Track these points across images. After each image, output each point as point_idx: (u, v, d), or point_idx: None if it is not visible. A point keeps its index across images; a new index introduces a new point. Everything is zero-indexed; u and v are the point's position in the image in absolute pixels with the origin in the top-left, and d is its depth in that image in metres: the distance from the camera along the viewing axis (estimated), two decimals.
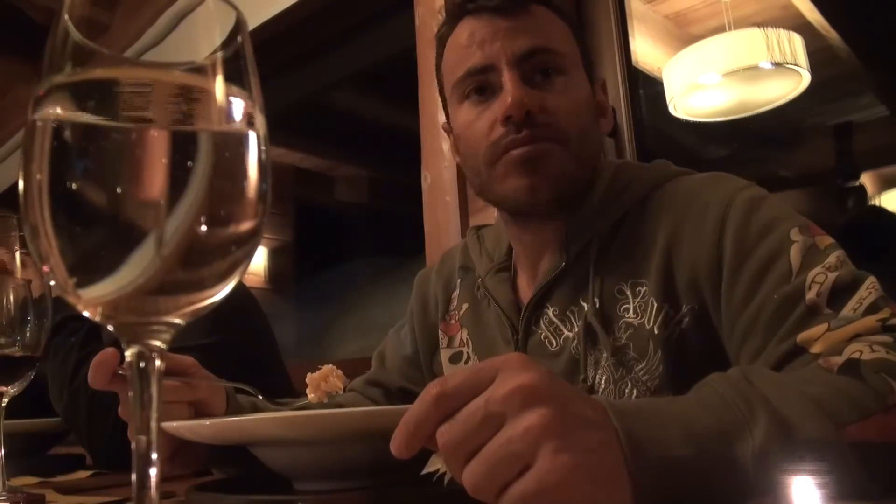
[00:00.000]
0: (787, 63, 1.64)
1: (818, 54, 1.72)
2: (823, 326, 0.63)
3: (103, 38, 0.31)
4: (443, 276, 1.00)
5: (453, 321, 0.97)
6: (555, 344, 0.83)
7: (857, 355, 0.56)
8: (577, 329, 0.81)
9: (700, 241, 0.74)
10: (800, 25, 1.76)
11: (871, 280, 0.65)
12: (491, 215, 1.55)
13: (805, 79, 1.69)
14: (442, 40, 0.89)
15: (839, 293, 0.64)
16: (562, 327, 0.83)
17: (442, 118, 1.72)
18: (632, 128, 1.61)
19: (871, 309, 0.62)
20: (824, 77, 1.77)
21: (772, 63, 1.64)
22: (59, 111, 0.30)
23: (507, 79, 0.79)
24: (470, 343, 0.93)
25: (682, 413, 0.47)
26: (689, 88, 1.76)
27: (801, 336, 0.63)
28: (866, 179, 1.80)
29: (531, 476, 0.41)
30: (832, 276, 0.65)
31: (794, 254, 0.68)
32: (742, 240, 0.71)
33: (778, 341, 0.65)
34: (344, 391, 0.77)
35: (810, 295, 0.65)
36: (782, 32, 1.65)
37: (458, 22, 0.86)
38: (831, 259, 0.67)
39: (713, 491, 0.45)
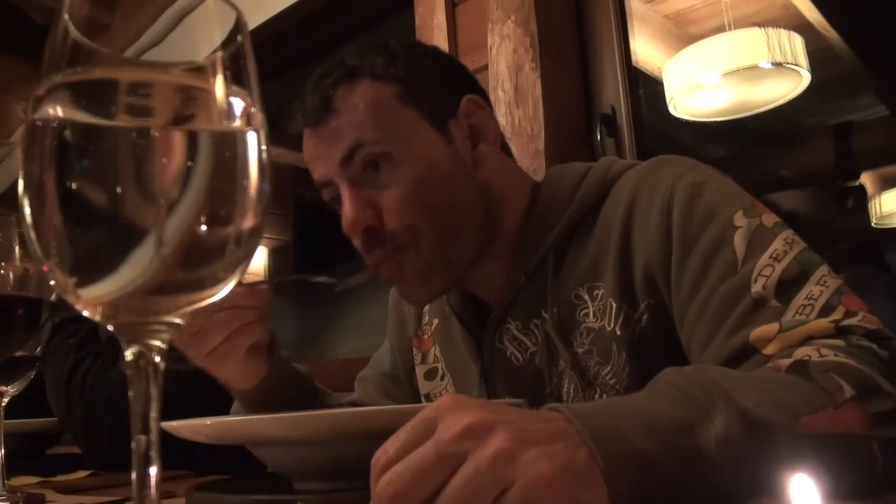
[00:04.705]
0: (787, 63, 1.64)
1: (818, 54, 1.72)
2: (775, 326, 0.61)
3: (103, 38, 0.31)
4: None
5: (426, 336, 0.96)
6: (521, 359, 0.82)
7: (805, 357, 0.56)
8: (540, 340, 0.80)
9: (649, 234, 0.72)
10: (800, 25, 1.76)
11: (820, 271, 0.64)
12: None
13: (805, 79, 1.69)
14: None
15: (786, 285, 0.63)
16: (526, 341, 0.81)
17: None
18: (632, 128, 1.61)
19: (825, 310, 0.61)
20: (824, 77, 1.77)
21: (772, 63, 1.63)
22: (59, 111, 0.30)
23: (342, 192, 0.77)
24: (442, 359, 0.92)
25: (642, 408, 0.47)
26: (689, 88, 1.76)
27: (754, 335, 0.62)
28: (866, 179, 1.80)
29: (516, 493, 0.39)
30: (779, 267, 0.64)
31: (739, 241, 0.66)
32: (686, 229, 0.70)
33: (726, 335, 0.64)
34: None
35: (756, 288, 0.64)
36: (782, 32, 1.65)
37: None
38: (778, 244, 0.65)
39: (684, 481, 0.44)
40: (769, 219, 0.68)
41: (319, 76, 0.79)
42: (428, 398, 0.93)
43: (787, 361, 0.56)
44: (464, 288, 0.88)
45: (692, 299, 0.68)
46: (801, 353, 0.57)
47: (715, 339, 0.65)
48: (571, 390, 0.77)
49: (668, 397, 0.47)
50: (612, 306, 0.75)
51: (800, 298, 0.62)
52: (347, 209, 0.75)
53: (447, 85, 0.82)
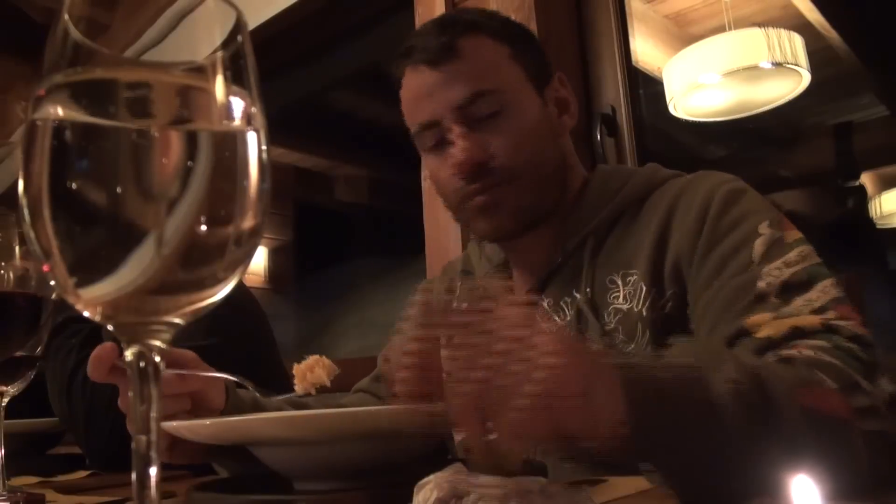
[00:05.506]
0: (787, 63, 1.64)
1: (818, 54, 1.72)
2: (769, 314, 0.66)
3: (103, 38, 0.31)
4: (445, 281, 1.06)
5: None
6: None
7: (789, 356, 0.60)
8: (569, 317, 0.85)
9: (685, 231, 0.79)
10: (800, 25, 1.75)
11: (827, 282, 0.68)
12: None
13: (805, 79, 1.69)
14: (396, 84, 0.92)
15: (790, 288, 0.68)
16: (555, 317, 0.87)
17: None
18: (632, 128, 1.61)
19: (819, 310, 0.65)
20: (824, 77, 1.77)
21: (772, 63, 1.63)
22: (59, 111, 0.30)
23: (454, 132, 0.83)
24: None
25: (660, 357, 0.53)
26: (689, 88, 1.76)
27: (750, 320, 0.67)
28: (866, 179, 1.80)
29: (538, 370, 0.43)
30: (788, 271, 0.69)
31: (758, 246, 0.72)
32: (715, 229, 0.76)
33: (727, 323, 0.69)
34: (331, 385, 0.78)
35: (762, 285, 0.69)
36: (782, 32, 1.65)
37: (403, 71, 0.88)
38: (793, 254, 0.70)
39: (696, 421, 0.47)
40: (791, 235, 0.73)
41: (443, 22, 0.88)
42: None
43: (773, 358, 0.60)
44: (502, 268, 0.96)
45: (705, 291, 0.74)
46: (785, 353, 0.61)
47: (718, 327, 0.70)
48: None
49: (681, 354, 0.53)
50: (642, 289, 0.80)
51: (799, 301, 0.67)
52: (461, 148, 0.82)
53: (543, 57, 0.92)
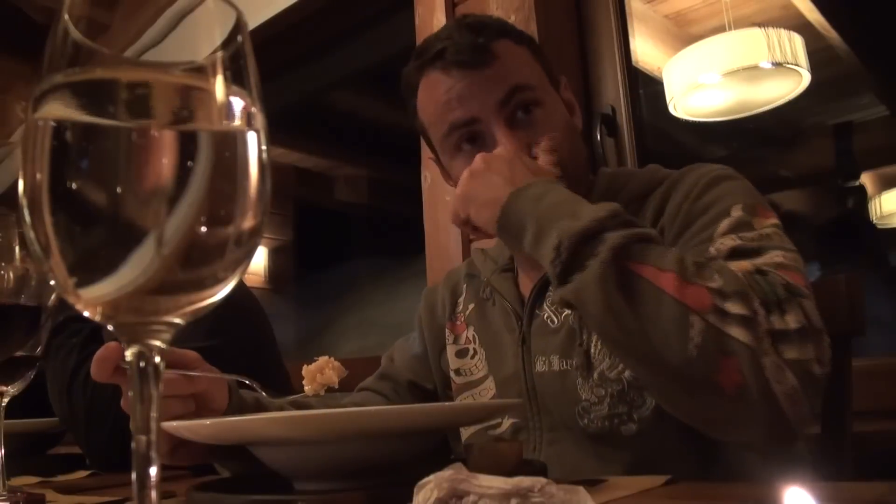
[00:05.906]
0: (787, 63, 1.64)
1: (818, 54, 1.72)
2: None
3: (103, 38, 0.31)
4: (449, 285, 1.08)
5: (459, 321, 1.03)
6: (556, 321, 0.88)
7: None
8: (571, 315, 0.86)
9: (669, 214, 0.82)
10: (800, 25, 1.75)
11: (776, 253, 0.69)
12: None
13: (805, 79, 1.69)
14: (410, 88, 0.92)
15: (736, 254, 0.70)
16: (558, 315, 0.89)
17: None
18: (632, 128, 1.61)
19: (758, 267, 0.68)
20: (824, 77, 1.77)
21: (772, 63, 1.63)
22: (59, 111, 0.30)
23: (497, 130, 0.85)
24: (476, 338, 1.00)
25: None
26: (689, 88, 1.76)
27: None
28: (866, 179, 1.80)
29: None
30: (738, 241, 0.71)
31: (723, 226, 0.74)
32: (690, 210, 0.79)
33: None
34: (338, 386, 0.78)
35: (711, 251, 0.71)
36: (782, 32, 1.65)
37: (424, 71, 0.89)
38: (751, 234, 0.72)
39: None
40: (763, 221, 0.74)
41: (471, 26, 0.88)
42: (458, 373, 1.00)
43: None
44: (508, 268, 0.98)
45: None
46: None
47: None
48: (600, 343, 0.83)
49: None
50: None
51: (744, 263, 0.69)
52: (509, 143, 0.84)
53: (549, 62, 0.96)
